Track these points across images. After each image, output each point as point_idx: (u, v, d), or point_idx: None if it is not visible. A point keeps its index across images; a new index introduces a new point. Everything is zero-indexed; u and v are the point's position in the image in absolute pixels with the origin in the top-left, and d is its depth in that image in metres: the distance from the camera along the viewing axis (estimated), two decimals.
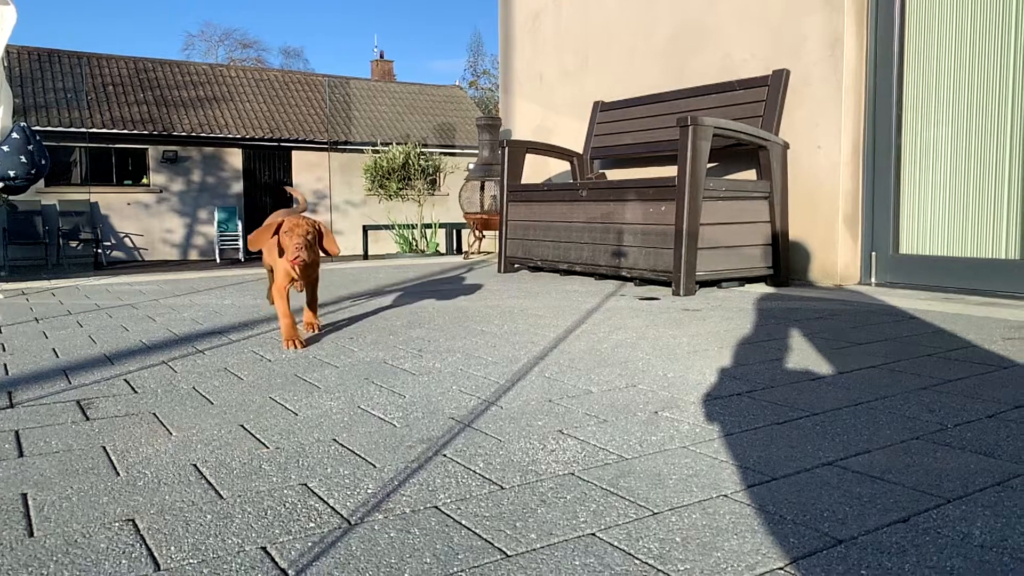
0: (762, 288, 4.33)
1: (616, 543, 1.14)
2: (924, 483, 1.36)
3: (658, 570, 1.05)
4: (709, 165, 4.17)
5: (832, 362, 2.36)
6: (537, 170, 6.29)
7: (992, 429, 1.67)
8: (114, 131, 18.41)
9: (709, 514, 1.24)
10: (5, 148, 5.72)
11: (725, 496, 1.32)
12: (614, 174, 5.81)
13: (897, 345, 2.61)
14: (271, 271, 3.10)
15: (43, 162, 6.03)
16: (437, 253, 11.47)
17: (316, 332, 2.95)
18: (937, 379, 2.12)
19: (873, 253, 4.39)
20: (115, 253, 18.29)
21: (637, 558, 1.09)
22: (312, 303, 2.99)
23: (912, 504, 1.27)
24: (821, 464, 1.46)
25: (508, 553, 1.11)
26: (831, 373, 2.22)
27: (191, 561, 1.10)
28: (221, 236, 18.67)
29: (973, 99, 4.01)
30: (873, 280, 4.40)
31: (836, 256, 4.41)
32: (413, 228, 12.05)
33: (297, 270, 2.73)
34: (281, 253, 2.69)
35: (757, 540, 1.14)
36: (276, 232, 2.70)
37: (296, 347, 2.63)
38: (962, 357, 2.40)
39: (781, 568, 1.06)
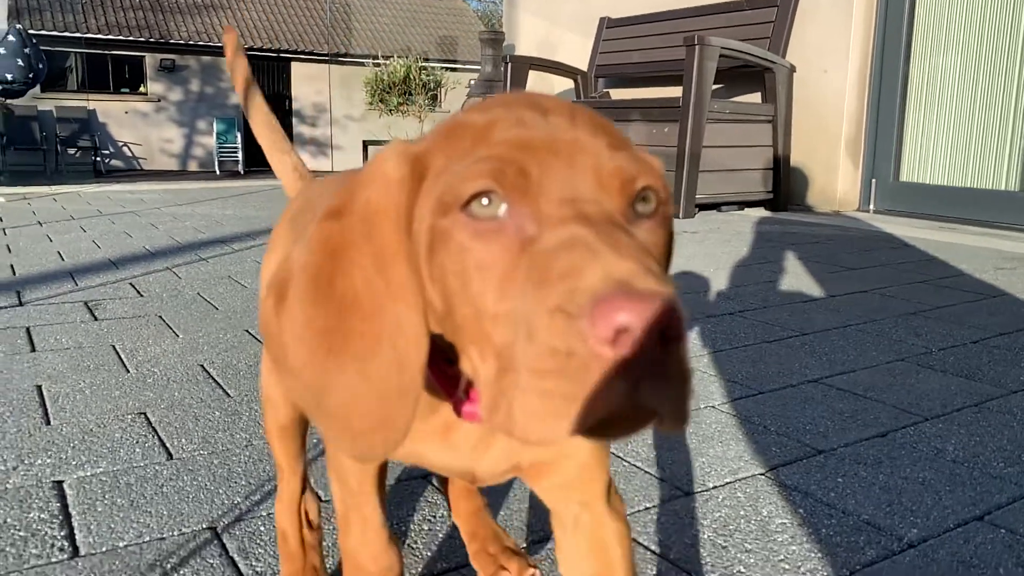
0: (761, 212, 4.34)
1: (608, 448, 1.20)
2: (905, 402, 1.41)
3: (646, 471, 1.11)
4: (714, 87, 4.13)
5: (824, 286, 2.40)
6: (540, 88, 6.21)
7: (975, 354, 1.72)
8: (110, 37, 18.00)
9: (696, 423, 1.30)
10: (2, 50, 5.62)
11: (713, 407, 1.37)
12: (618, 93, 5.74)
13: (890, 271, 2.65)
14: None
15: (40, 66, 5.94)
16: None
17: None
18: (926, 305, 2.16)
19: (873, 180, 4.38)
20: (113, 162, 18.11)
21: (627, 461, 1.15)
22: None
23: (891, 421, 1.32)
24: (807, 381, 1.52)
25: None
26: (822, 296, 2.26)
27: (202, 452, 1.15)
28: (220, 148, 18.47)
29: (984, 28, 3.94)
30: (872, 207, 4.41)
31: (836, 182, 4.40)
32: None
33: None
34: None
35: (741, 448, 1.20)
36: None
37: None
38: (953, 285, 2.44)
39: (762, 474, 1.12)
